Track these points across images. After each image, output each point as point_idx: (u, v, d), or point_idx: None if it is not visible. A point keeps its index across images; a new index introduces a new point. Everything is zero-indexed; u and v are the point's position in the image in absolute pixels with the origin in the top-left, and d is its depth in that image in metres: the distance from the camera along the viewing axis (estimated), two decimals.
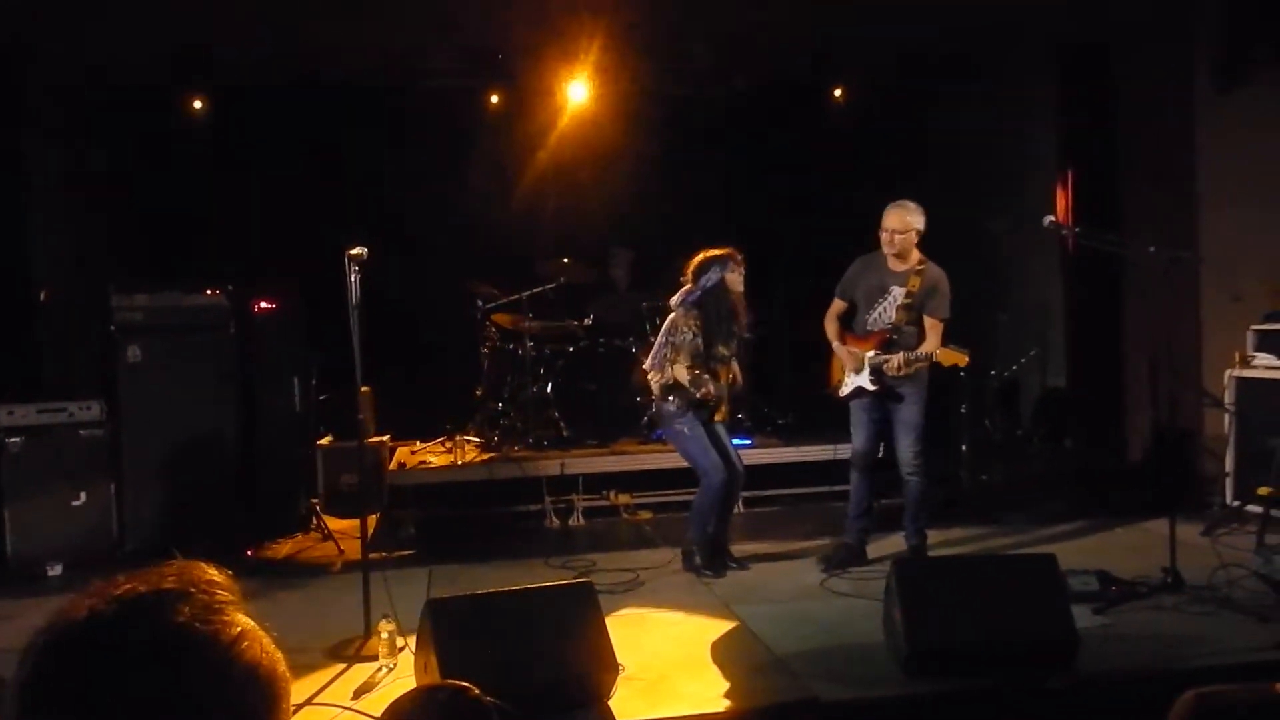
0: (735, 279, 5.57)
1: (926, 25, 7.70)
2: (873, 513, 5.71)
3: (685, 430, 5.57)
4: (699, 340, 5.49)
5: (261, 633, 1.02)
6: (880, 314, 5.52)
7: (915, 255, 5.47)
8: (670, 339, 5.55)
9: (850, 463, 5.78)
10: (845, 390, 5.60)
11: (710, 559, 5.58)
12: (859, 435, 5.65)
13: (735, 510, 6.09)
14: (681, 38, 8.01)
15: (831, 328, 5.71)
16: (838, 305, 5.73)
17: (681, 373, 5.48)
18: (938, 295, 5.43)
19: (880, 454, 5.81)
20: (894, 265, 5.49)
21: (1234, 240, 6.88)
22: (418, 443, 7.74)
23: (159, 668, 0.93)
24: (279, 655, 1.03)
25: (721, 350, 5.59)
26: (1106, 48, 7.90)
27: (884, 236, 5.44)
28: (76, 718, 0.91)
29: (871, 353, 5.45)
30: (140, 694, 0.92)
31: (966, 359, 5.18)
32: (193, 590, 0.99)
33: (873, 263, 5.58)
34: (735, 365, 5.74)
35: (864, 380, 5.49)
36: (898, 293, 5.46)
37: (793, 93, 9.18)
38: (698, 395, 5.49)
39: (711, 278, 5.52)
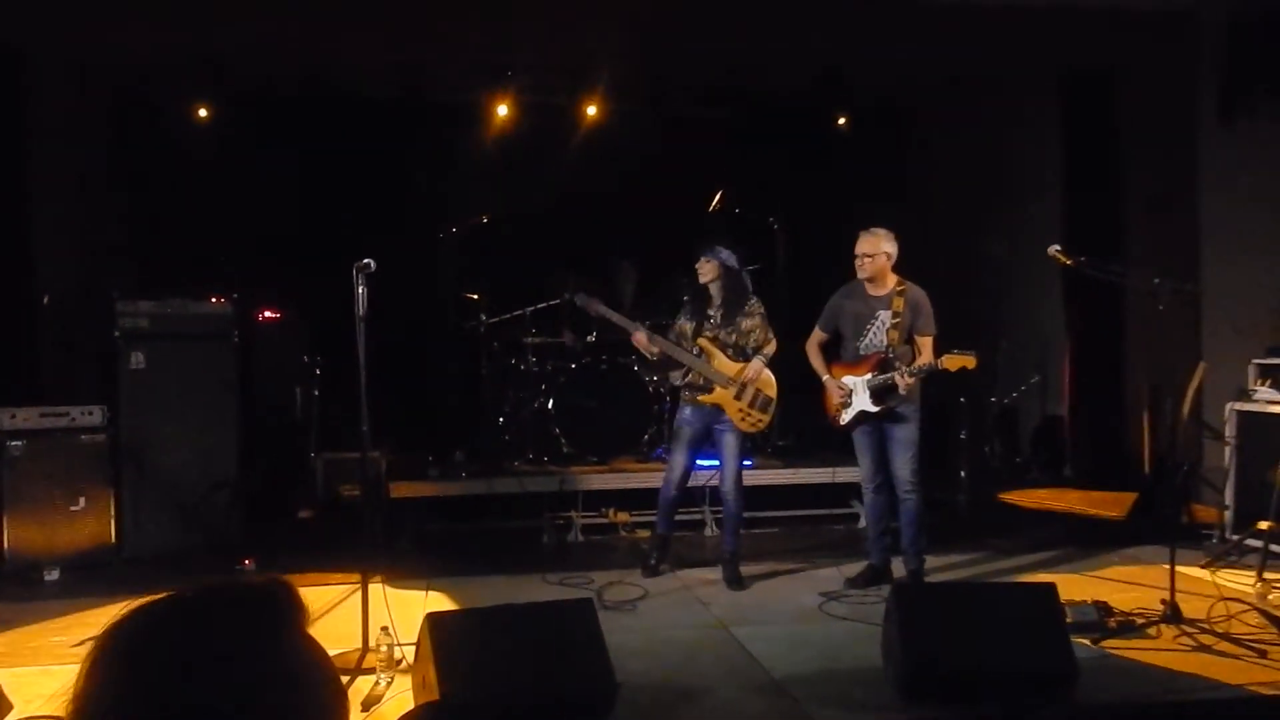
0: (700, 269, 5.78)
1: (931, 51, 7.75)
2: (891, 532, 5.71)
3: (676, 420, 5.90)
4: (686, 321, 5.83)
5: None
6: (872, 338, 5.56)
7: (892, 278, 5.56)
8: None
9: (861, 487, 5.87)
10: (846, 418, 5.61)
11: (657, 550, 5.89)
12: (865, 459, 5.67)
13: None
14: (687, 58, 8.05)
15: (817, 359, 5.75)
16: (819, 336, 5.77)
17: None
18: (924, 313, 5.52)
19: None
20: (874, 290, 5.58)
21: (1236, 271, 6.90)
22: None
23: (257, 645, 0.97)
24: None
25: (710, 334, 5.71)
26: (1110, 75, 7.94)
27: (856, 262, 5.58)
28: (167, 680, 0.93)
29: (868, 376, 5.47)
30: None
31: (974, 360, 5.17)
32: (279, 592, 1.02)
33: (853, 292, 5.66)
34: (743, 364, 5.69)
35: (865, 404, 5.50)
36: (885, 316, 5.51)
37: (796, 113, 9.22)
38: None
39: None
